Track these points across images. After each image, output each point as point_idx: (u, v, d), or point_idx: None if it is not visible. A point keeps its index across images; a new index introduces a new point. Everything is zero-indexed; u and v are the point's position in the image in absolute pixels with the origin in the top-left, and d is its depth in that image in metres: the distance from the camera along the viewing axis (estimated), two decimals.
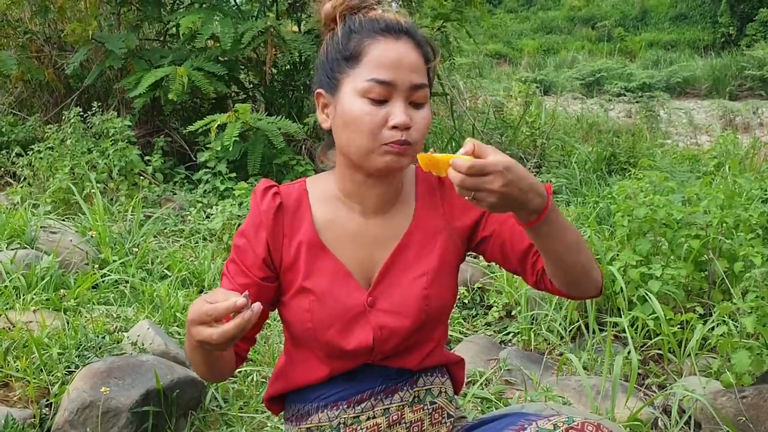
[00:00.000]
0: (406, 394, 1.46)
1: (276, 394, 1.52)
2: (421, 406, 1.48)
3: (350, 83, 1.31)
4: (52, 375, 2.47)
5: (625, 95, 14.66)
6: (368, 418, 1.44)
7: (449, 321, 2.71)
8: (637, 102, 12.89)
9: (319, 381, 1.44)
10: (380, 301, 1.40)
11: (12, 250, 3.52)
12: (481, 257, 1.51)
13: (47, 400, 2.39)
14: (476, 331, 3.50)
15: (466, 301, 3.70)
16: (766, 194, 4.27)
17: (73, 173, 5.08)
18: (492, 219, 1.43)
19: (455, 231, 1.45)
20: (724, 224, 3.46)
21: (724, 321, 3.02)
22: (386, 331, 1.39)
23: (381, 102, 1.28)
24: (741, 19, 28.97)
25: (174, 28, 6.10)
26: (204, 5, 6.10)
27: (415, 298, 1.40)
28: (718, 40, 29.32)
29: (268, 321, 3.17)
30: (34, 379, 2.42)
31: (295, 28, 6.71)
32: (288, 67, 6.59)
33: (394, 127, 1.28)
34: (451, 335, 3.35)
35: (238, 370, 2.80)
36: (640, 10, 34.29)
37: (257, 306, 1.13)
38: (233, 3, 6.74)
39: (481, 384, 2.80)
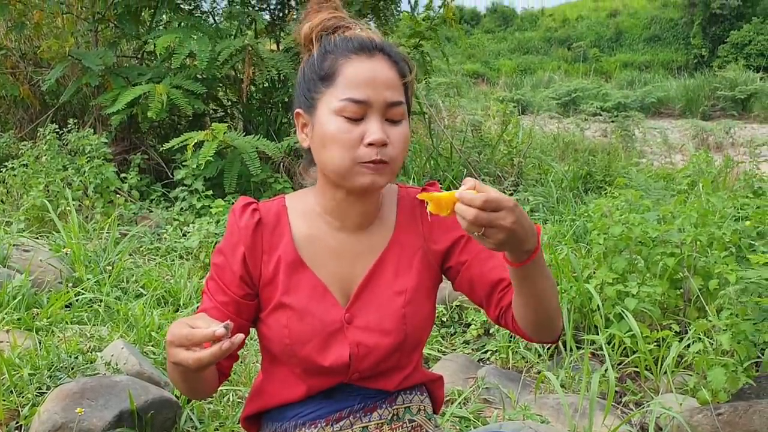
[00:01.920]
0: (384, 412, 1.45)
1: (253, 412, 1.51)
2: (400, 423, 1.47)
3: (326, 103, 1.31)
4: (23, 396, 2.42)
5: (600, 115, 14.81)
6: None
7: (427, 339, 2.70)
8: (612, 121, 13.04)
9: (296, 399, 1.42)
10: (358, 318, 1.39)
11: None
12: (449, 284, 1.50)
13: (17, 423, 2.34)
14: (454, 350, 3.50)
15: (444, 319, 3.69)
16: (738, 212, 4.33)
17: (48, 190, 5.03)
18: (467, 249, 1.44)
19: (431, 252, 1.46)
20: (699, 242, 3.50)
21: (700, 338, 3.04)
22: (363, 348, 1.38)
23: (357, 120, 1.28)
24: (713, 41, 29.53)
25: (152, 46, 6.08)
26: (182, 24, 6.09)
27: (393, 316, 1.40)
28: (691, 62, 29.85)
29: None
30: (4, 400, 2.37)
31: (274, 47, 6.72)
32: (266, 85, 6.60)
33: (371, 145, 1.28)
34: (429, 353, 3.34)
35: None
36: (615, 32, 34.81)
37: (238, 338, 1.12)
38: (211, 22, 6.74)
39: (460, 403, 2.79)
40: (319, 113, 1.32)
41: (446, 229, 1.45)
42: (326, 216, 1.41)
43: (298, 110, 1.39)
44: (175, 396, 2.60)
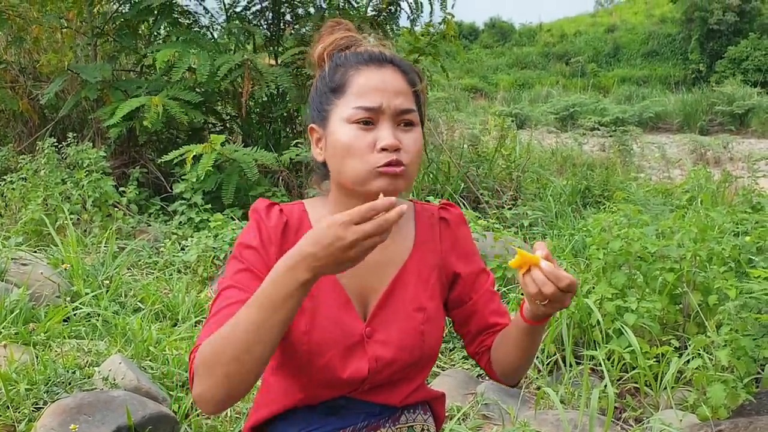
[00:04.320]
0: (388, 431, 1.44)
1: (259, 421, 1.48)
2: None
3: (338, 113, 1.33)
4: (19, 412, 2.40)
5: (598, 129, 14.86)
6: None
7: None
8: (610, 136, 13.07)
9: (296, 404, 1.40)
10: (378, 333, 1.38)
11: None
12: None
13: None
14: (453, 365, 3.48)
15: (443, 334, 3.68)
16: (737, 228, 4.33)
17: (47, 204, 5.02)
18: (476, 286, 1.48)
19: (446, 272, 1.48)
20: (698, 257, 3.49)
21: (700, 354, 3.03)
22: (382, 362, 1.37)
23: (369, 127, 1.30)
24: (710, 56, 29.70)
25: (151, 59, 6.10)
26: (181, 38, 6.12)
27: (412, 333, 1.40)
28: (689, 77, 30.01)
29: None
30: (0, 416, 2.35)
31: (272, 61, 6.75)
32: (265, 99, 6.61)
33: (384, 150, 1.29)
34: None
35: None
36: (613, 47, 35.01)
37: (404, 207, 1.10)
38: (210, 36, 6.77)
39: (459, 419, 2.77)
40: (331, 124, 1.34)
41: (463, 255, 1.49)
42: None
43: (312, 125, 1.40)
44: (173, 411, 2.59)
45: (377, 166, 1.29)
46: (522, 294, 3.85)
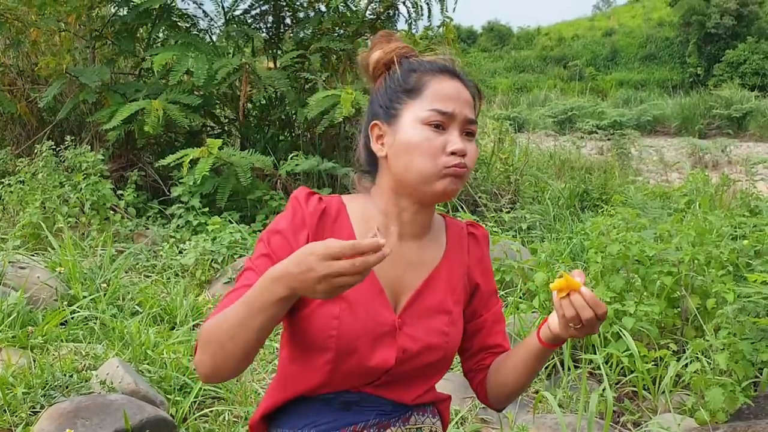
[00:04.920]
0: (398, 430, 1.45)
1: (270, 408, 1.48)
2: None
3: (411, 113, 1.40)
4: (16, 415, 2.40)
5: (596, 133, 14.90)
6: None
7: None
8: (608, 139, 13.10)
9: (315, 386, 1.40)
10: (408, 326, 1.42)
11: None
12: None
13: None
14: (452, 369, 3.48)
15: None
16: (736, 231, 4.34)
17: (44, 207, 5.01)
18: (489, 304, 1.54)
19: (470, 283, 1.54)
20: (696, 261, 3.49)
21: (698, 358, 3.03)
22: (408, 355, 1.40)
23: (440, 131, 1.38)
24: (708, 59, 29.77)
25: (150, 63, 6.10)
26: (179, 41, 6.11)
27: (437, 333, 1.44)
28: (687, 80, 30.07)
29: None
30: None
31: (271, 65, 6.75)
32: (263, 102, 6.61)
33: (453, 153, 1.37)
34: None
35: (209, 409, 2.75)
36: (611, 50, 35.07)
37: (388, 250, 1.14)
38: (209, 40, 6.77)
39: (457, 423, 2.77)
40: (402, 122, 1.41)
41: (485, 272, 1.56)
42: (384, 221, 1.46)
43: (375, 122, 1.46)
44: (171, 415, 2.58)
45: (446, 166, 1.36)
46: (520, 308, 3.86)
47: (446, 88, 1.41)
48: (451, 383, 3.16)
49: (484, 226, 1.64)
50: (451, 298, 1.48)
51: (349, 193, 1.53)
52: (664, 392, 2.96)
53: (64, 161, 5.54)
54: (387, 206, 1.46)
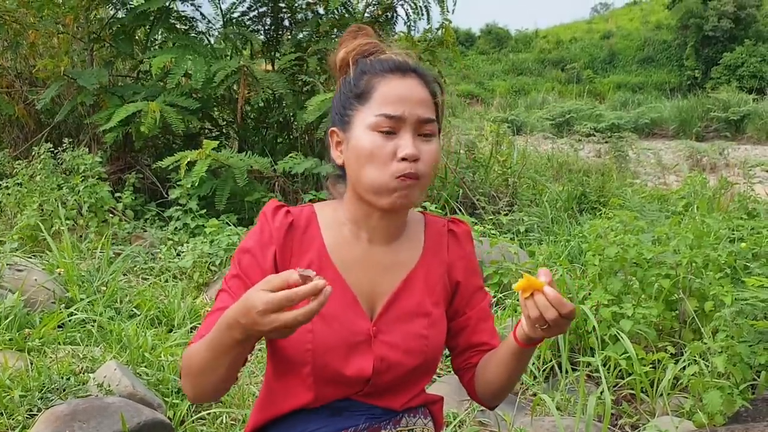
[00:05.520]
0: None
1: (260, 423, 1.48)
2: None
3: (361, 119, 1.36)
4: (13, 419, 2.39)
5: (594, 135, 14.90)
6: None
7: None
8: (606, 142, 13.10)
9: (301, 405, 1.40)
10: (384, 333, 1.40)
11: None
12: None
13: None
14: (450, 371, 3.47)
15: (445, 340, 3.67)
16: (733, 234, 4.34)
17: (42, 210, 5.01)
18: (473, 302, 1.51)
19: (451, 282, 1.50)
20: (694, 264, 3.50)
21: (696, 360, 3.03)
22: (386, 363, 1.38)
23: (390, 135, 1.33)
24: (706, 62, 29.82)
25: (147, 65, 6.11)
26: (177, 44, 6.11)
27: (417, 337, 1.42)
28: (684, 83, 30.11)
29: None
30: None
31: (269, 67, 6.75)
32: (261, 104, 6.60)
33: (404, 159, 1.32)
34: None
35: (207, 412, 2.75)
36: (609, 53, 35.11)
37: (329, 289, 1.11)
38: (207, 42, 6.77)
39: (455, 426, 2.77)
40: (354, 129, 1.37)
41: (466, 269, 1.52)
42: (353, 226, 1.44)
43: (333, 129, 1.44)
44: (168, 418, 2.58)
45: (396, 175, 1.32)
46: (518, 311, 3.85)
47: (395, 89, 1.35)
48: (448, 385, 3.16)
49: (466, 222, 1.57)
50: (429, 299, 1.45)
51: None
52: (662, 395, 2.96)
53: (61, 163, 5.53)
54: (355, 212, 1.43)
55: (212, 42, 6.88)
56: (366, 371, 1.37)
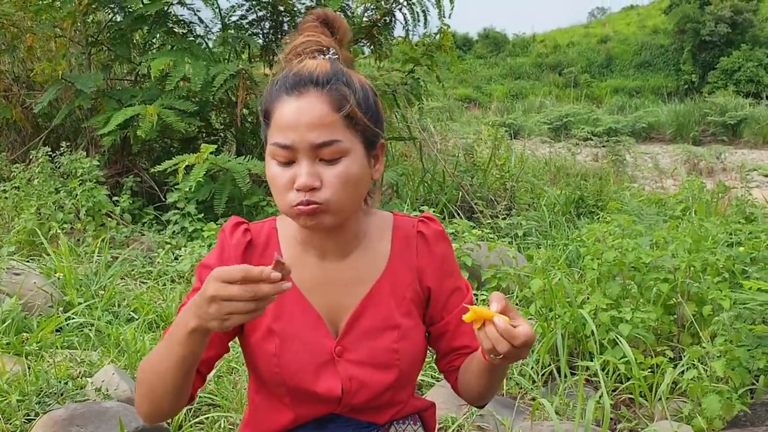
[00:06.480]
0: None
1: None
2: None
3: (267, 143, 1.29)
4: (10, 423, 2.38)
5: (591, 139, 14.94)
6: None
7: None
8: (603, 146, 13.13)
9: (285, 427, 1.40)
10: (349, 351, 1.35)
11: None
12: None
13: None
14: None
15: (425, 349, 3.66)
16: (731, 238, 4.35)
17: (39, 213, 5.00)
18: (449, 306, 1.43)
19: (423, 287, 1.43)
20: (692, 268, 3.50)
21: (694, 365, 3.03)
22: (356, 382, 1.34)
23: (288, 164, 1.25)
24: (703, 67, 29.89)
25: (146, 68, 6.11)
26: (175, 47, 6.11)
27: (386, 351, 1.36)
28: (682, 87, 30.19)
29: (236, 366, 3.12)
30: None
31: (268, 71, 6.74)
32: (259, 108, 6.59)
33: (299, 189, 1.24)
34: (422, 380, 3.31)
35: (205, 416, 2.74)
36: (606, 58, 35.19)
37: (287, 285, 1.07)
38: (205, 46, 6.76)
39: (453, 430, 2.76)
40: (267, 150, 1.30)
41: (438, 272, 1.43)
42: (302, 246, 1.38)
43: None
44: (166, 423, 2.57)
45: (292, 204, 1.24)
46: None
47: (285, 114, 1.23)
48: (447, 390, 3.15)
49: (436, 220, 1.48)
50: (398, 310, 1.38)
51: None
52: (660, 399, 2.96)
53: (59, 167, 5.53)
54: (298, 230, 1.37)
55: (211, 46, 6.88)
56: (335, 391, 1.33)
